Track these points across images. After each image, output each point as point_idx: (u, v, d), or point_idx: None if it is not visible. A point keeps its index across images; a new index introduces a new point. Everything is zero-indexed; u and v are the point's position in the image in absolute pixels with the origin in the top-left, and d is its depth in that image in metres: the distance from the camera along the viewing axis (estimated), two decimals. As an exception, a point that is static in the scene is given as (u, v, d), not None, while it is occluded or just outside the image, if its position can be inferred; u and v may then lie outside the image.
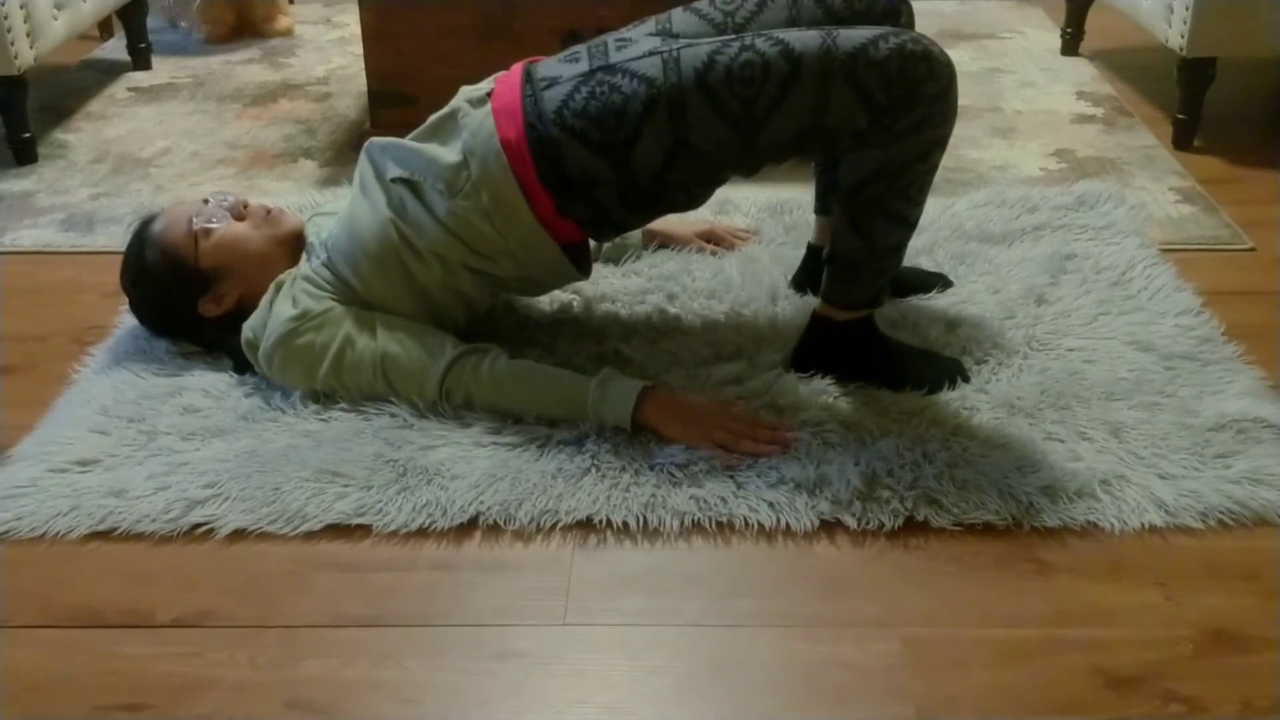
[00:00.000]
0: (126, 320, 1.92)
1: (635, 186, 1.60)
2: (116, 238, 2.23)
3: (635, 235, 2.10)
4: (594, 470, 1.56)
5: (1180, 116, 2.55)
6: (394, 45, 2.46)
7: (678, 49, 1.56)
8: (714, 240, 2.14)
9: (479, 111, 1.65)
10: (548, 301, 1.95)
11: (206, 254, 1.78)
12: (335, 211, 1.84)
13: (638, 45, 1.61)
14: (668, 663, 1.31)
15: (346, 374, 1.68)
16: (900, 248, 1.64)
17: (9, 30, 2.45)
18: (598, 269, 2.04)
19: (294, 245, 1.83)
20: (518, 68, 1.69)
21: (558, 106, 1.59)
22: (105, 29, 3.48)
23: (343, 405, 1.69)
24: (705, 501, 1.51)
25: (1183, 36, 2.44)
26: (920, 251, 2.08)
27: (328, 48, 3.39)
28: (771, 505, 1.50)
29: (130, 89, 3.08)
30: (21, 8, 2.48)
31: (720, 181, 1.64)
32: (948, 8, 3.61)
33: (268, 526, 1.50)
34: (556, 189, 1.61)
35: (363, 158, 1.75)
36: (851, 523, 1.48)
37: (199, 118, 2.88)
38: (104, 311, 2.01)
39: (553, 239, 1.65)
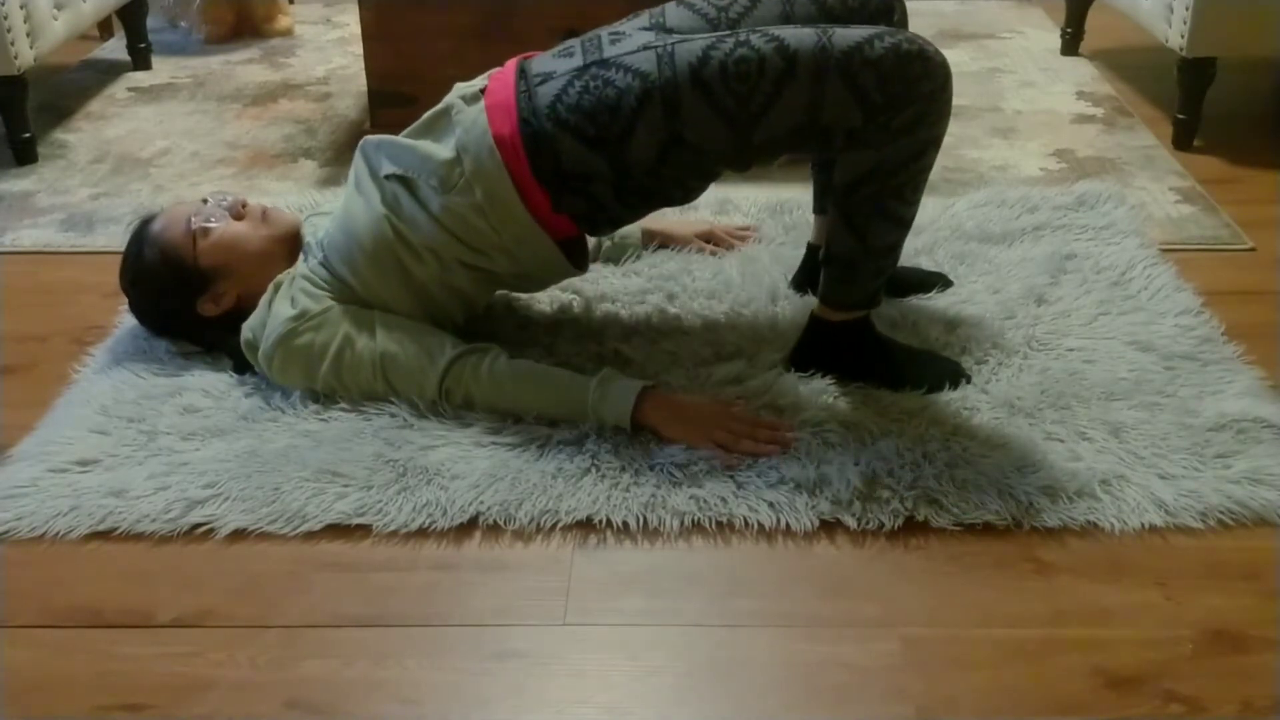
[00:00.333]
0: (126, 320, 1.93)
1: (630, 181, 1.59)
2: (116, 238, 2.23)
3: (635, 235, 2.10)
4: (594, 470, 1.56)
5: (1180, 116, 2.55)
6: (394, 45, 2.46)
7: (672, 44, 1.56)
8: (714, 240, 2.14)
9: (472, 108, 1.65)
10: (548, 302, 1.95)
11: (205, 253, 1.78)
12: (331, 211, 1.84)
13: (631, 39, 1.61)
14: (668, 663, 1.31)
15: (346, 374, 1.68)
16: (896, 247, 1.64)
17: (9, 30, 2.45)
18: (597, 269, 2.04)
19: (292, 245, 1.83)
20: (512, 64, 1.69)
21: (551, 101, 1.58)
22: (105, 29, 3.48)
23: (343, 405, 1.69)
24: (705, 501, 1.51)
25: (1183, 36, 2.44)
26: (920, 251, 2.08)
27: (328, 48, 3.39)
28: (771, 505, 1.50)
29: (130, 89, 3.08)
30: (21, 8, 2.48)
31: (715, 176, 1.64)
32: (948, 8, 3.61)
33: (268, 526, 1.50)
34: (551, 184, 1.61)
35: (357, 156, 1.75)
36: (851, 523, 1.48)
37: (199, 118, 2.88)
38: (104, 311, 2.01)
39: (548, 235, 1.65)
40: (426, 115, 1.71)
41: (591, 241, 2.05)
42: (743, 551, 1.46)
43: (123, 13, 3.13)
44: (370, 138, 1.74)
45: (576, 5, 2.41)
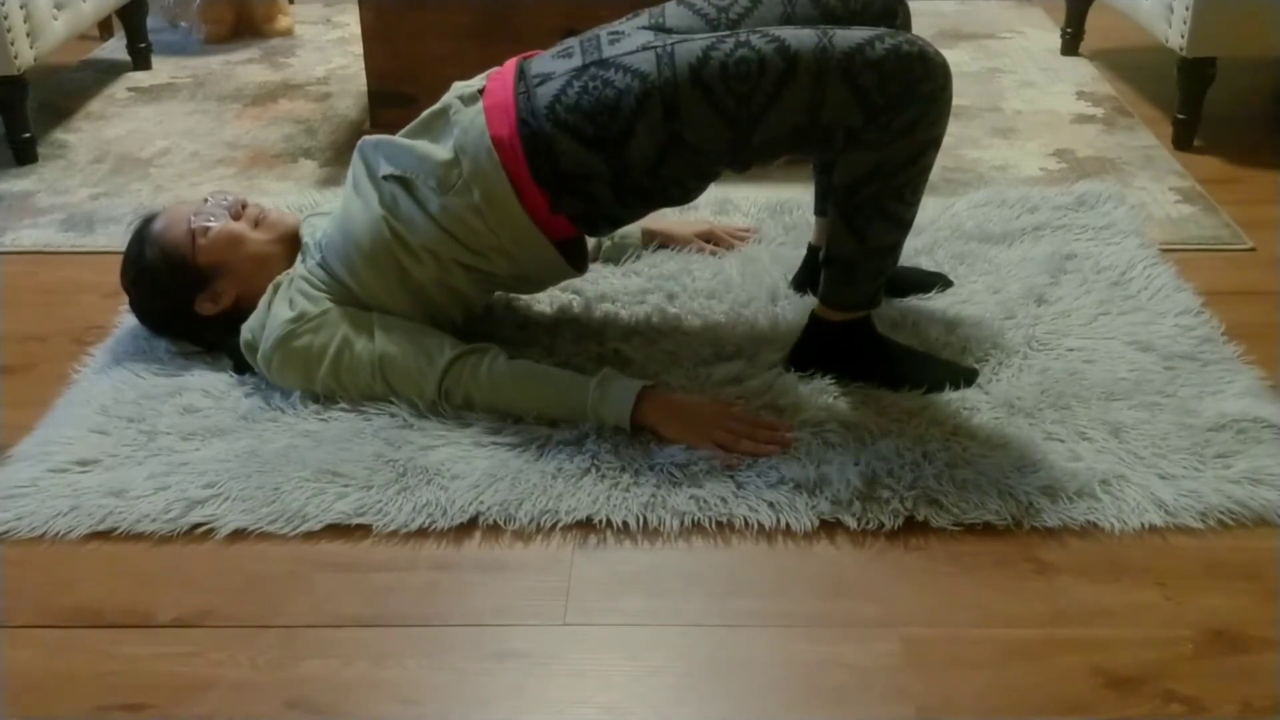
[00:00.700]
0: (126, 320, 1.93)
1: (629, 181, 1.59)
2: (116, 238, 2.23)
3: (635, 235, 2.10)
4: (594, 470, 1.56)
5: (1180, 116, 2.55)
6: (394, 45, 2.46)
7: (671, 44, 1.56)
8: (714, 240, 2.14)
9: (471, 109, 1.64)
10: (548, 302, 1.95)
11: (204, 252, 1.78)
12: (330, 212, 1.84)
13: (631, 39, 1.60)
14: (668, 663, 1.31)
15: (345, 375, 1.68)
16: (896, 248, 1.64)
17: (9, 30, 2.45)
18: (597, 269, 2.04)
19: (292, 246, 1.83)
20: (511, 64, 1.69)
21: (550, 102, 1.58)
22: (105, 29, 3.48)
23: (343, 405, 1.69)
24: (705, 501, 1.51)
25: (1183, 36, 2.44)
26: (920, 251, 2.08)
27: (328, 48, 3.39)
28: (771, 505, 1.50)
29: (130, 89, 3.08)
30: (21, 8, 2.48)
31: (714, 176, 1.64)
32: (948, 8, 3.61)
33: (268, 526, 1.50)
34: (550, 185, 1.60)
35: (355, 156, 1.75)
36: (851, 523, 1.48)
37: (199, 118, 2.88)
38: (104, 311, 2.01)
39: (545, 236, 1.65)
40: (424, 115, 1.71)
41: (591, 242, 2.04)
42: (743, 551, 1.46)
43: (123, 13, 3.13)
44: (368, 138, 1.74)
45: (576, 5, 2.41)
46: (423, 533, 1.50)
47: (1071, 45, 3.16)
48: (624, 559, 1.46)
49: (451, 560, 1.46)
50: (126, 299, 1.87)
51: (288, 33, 3.49)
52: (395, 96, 2.50)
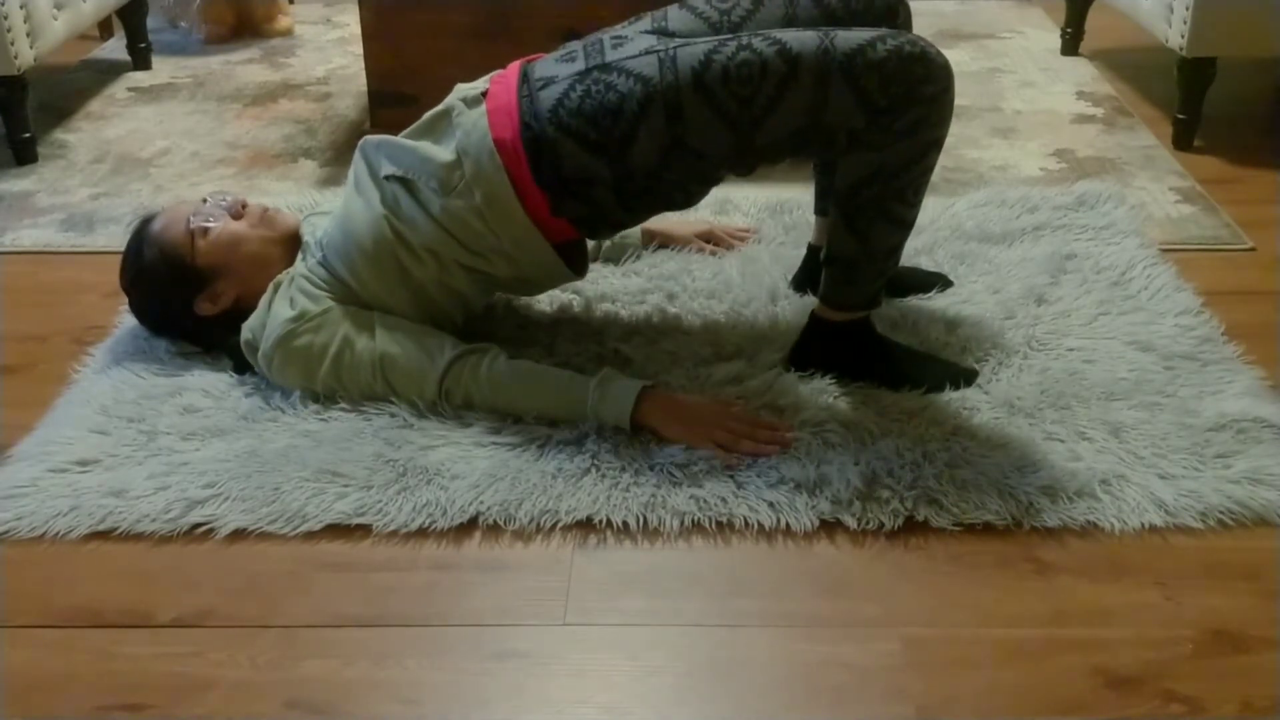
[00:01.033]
0: (126, 320, 1.93)
1: (631, 185, 1.59)
2: (116, 238, 2.23)
3: (635, 235, 2.11)
4: (594, 470, 1.56)
5: (1180, 116, 2.55)
6: (394, 45, 2.46)
7: (674, 48, 1.56)
8: (714, 240, 2.14)
9: (474, 111, 1.65)
10: (548, 302, 1.95)
11: (203, 252, 1.78)
12: (330, 211, 1.84)
13: (633, 44, 1.61)
14: (668, 663, 1.31)
15: (346, 375, 1.68)
16: (897, 249, 1.64)
17: (9, 30, 2.45)
18: (597, 269, 2.04)
19: (291, 245, 1.83)
20: (514, 67, 1.69)
21: (553, 105, 1.59)
22: (105, 29, 3.48)
23: (343, 405, 1.69)
24: (705, 501, 1.51)
25: (1183, 36, 2.44)
26: (920, 251, 2.08)
27: (328, 48, 3.39)
28: (771, 505, 1.50)
29: (130, 89, 3.08)
30: (21, 8, 2.48)
31: (717, 180, 1.64)
32: (948, 8, 3.61)
33: (268, 526, 1.50)
34: (551, 188, 1.61)
35: (357, 155, 1.75)
36: (851, 523, 1.48)
37: (199, 118, 2.88)
38: (104, 311, 2.01)
39: (546, 239, 1.65)
40: (427, 116, 1.71)
41: (591, 243, 2.04)
42: (743, 551, 1.46)
43: (123, 13, 3.13)
44: (370, 138, 1.74)
45: (576, 5, 2.41)
46: (423, 533, 1.50)
47: (1071, 45, 3.16)
48: (624, 559, 1.46)
49: (451, 560, 1.46)
50: (126, 299, 1.87)
51: (288, 33, 3.49)
52: (395, 96, 2.50)
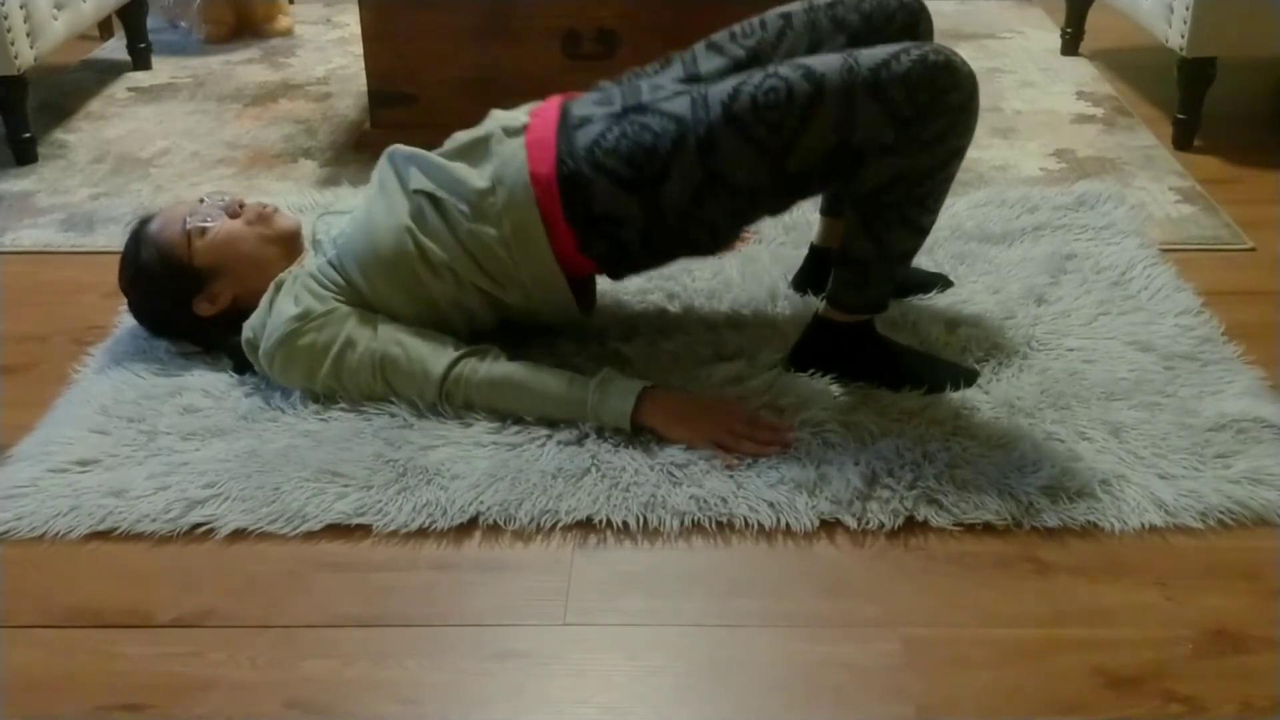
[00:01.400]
0: (126, 320, 1.93)
1: (661, 225, 1.61)
2: (116, 238, 2.23)
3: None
4: (594, 470, 1.56)
5: (1180, 116, 2.55)
6: (394, 45, 2.46)
7: (706, 89, 1.59)
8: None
9: (513, 141, 1.66)
10: (548, 301, 1.95)
11: (200, 253, 1.78)
12: (346, 211, 1.84)
13: (668, 87, 1.65)
14: (668, 663, 1.31)
15: (347, 375, 1.68)
16: (911, 254, 1.65)
17: (9, 30, 2.45)
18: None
19: (289, 246, 1.82)
20: (554, 102, 1.71)
21: (590, 144, 1.61)
22: (105, 29, 3.48)
23: (343, 405, 1.69)
24: (705, 501, 1.51)
25: (1183, 36, 2.44)
26: (920, 251, 2.07)
27: (328, 48, 3.39)
28: (771, 505, 1.50)
29: (130, 89, 3.08)
30: (21, 8, 2.48)
31: (747, 218, 1.64)
32: (948, 8, 3.61)
33: (268, 526, 1.50)
34: (580, 226, 1.63)
35: (384, 163, 1.76)
36: (851, 523, 1.48)
37: (199, 118, 2.88)
38: (104, 311, 2.01)
39: (564, 277, 1.67)
40: (464, 138, 1.72)
41: None
42: (743, 551, 1.46)
43: (123, 13, 3.13)
44: (400, 148, 1.75)
45: (576, 5, 2.41)
46: (423, 533, 1.50)
47: (1071, 45, 3.16)
48: (624, 559, 1.46)
49: (451, 560, 1.46)
50: (126, 299, 1.87)
51: (288, 33, 3.49)
52: (395, 96, 2.51)
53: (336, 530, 1.50)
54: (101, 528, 1.51)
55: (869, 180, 1.56)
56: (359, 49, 3.29)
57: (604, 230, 1.63)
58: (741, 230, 1.68)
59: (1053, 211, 2.22)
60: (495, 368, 1.65)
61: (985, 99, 2.86)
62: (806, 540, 1.47)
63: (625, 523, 1.50)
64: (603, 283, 1.99)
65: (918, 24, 1.70)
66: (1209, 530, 1.47)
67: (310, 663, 1.32)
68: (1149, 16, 2.58)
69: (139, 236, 1.82)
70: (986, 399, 1.69)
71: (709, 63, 1.70)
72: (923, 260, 2.06)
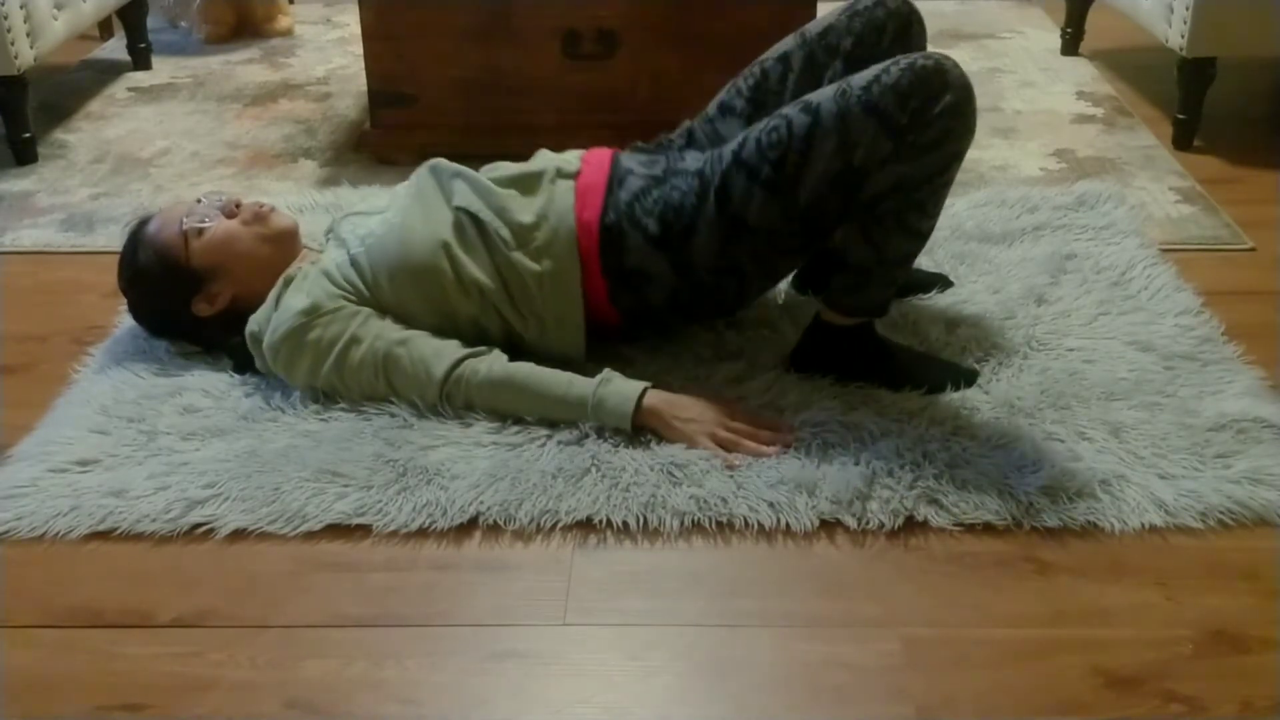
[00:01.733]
0: (126, 320, 1.92)
1: (690, 281, 1.67)
2: (116, 238, 2.22)
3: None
4: (594, 470, 1.56)
5: (1180, 116, 2.55)
6: (394, 45, 2.46)
7: (723, 146, 1.65)
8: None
9: (564, 184, 1.70)
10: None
11: (197, 253, 1.77)
12: (373, 212, 1.82)
13: (695, 152, 1.72)
14: (668, 663, 1.31)
15: (349, 373, 1.68)
16: (911, 258, 1.65)
17: (9, 30, 2.45)
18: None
19: (285, 244, 1.82)
20: (607, 153, 1.76)
21: (630, 200, 1.67)
22: (105, 29, 3.48)
23: (343, 405, 1.69)
24: (705, 501, 1.51)
25: (1183, 36, 2.44)
26: (920, 251, 2.07)
27: (328, 48, 3.39)
28: (771, 505, 1.50)
29: (130, 89, 3.08)
30: (21, 8, 2.48)
31: (773, 264, 1.68)
32: (948, 8, 3.61)
33: (268, 526, 1.50)
34: (613, 277, 1.68)
35: (425, 173, 1.78)
36: (851, 523, 1.48)
37: (199, 118, 2.88)
38: (104, 311, 2.01)
39: (584, 324, 1.70)
40: (515, 169, 1.75)
41: None
42: (743, 551, 1.46)
43: (123, 13, 3.13)
44: (445, 162, 1.78)
45: (576, 5, 2.41)
46: (423, 533, 1.50)
47: (1071, 45, 3.16)
48: (624, 559, 1.46)
49: (451, 560, 1.46)
50: (125, 299, 1.87)
51: (288, 33, 3.49)
52: (395, 96, 2.50)
53: (336, 530, 1.50)
54: (101, 528, 1.51)
55: (870, 190, 1.56)
56: (359, 49, 3.29)
57: (634, 285, 1.68)
58: (769, 281, 1.72)
59: (1053, 211, 2.22)
60: (495, 370, 1.65)
61: (985, 99, 2.86)
62: (806, 540, 1.47)
63: (625, 523, 1.50)
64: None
65: (909, 32, 1.72)
66: (1209, 530, 1.47)
67: (310, 663, 1.32)
68: (1149, 16, 2.58)
69: (137, 237, 1.82)
70: (986, 399, 1.68)
71: (728, 127, 1.77)
72: (923, 260, 2.05)
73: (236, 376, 1.78)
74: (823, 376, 1.72)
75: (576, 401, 1.62)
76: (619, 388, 1.62)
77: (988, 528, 1.48)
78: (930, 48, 1.71)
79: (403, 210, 1.74)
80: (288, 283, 1.74)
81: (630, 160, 1.74)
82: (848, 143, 1.53)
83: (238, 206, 1.82)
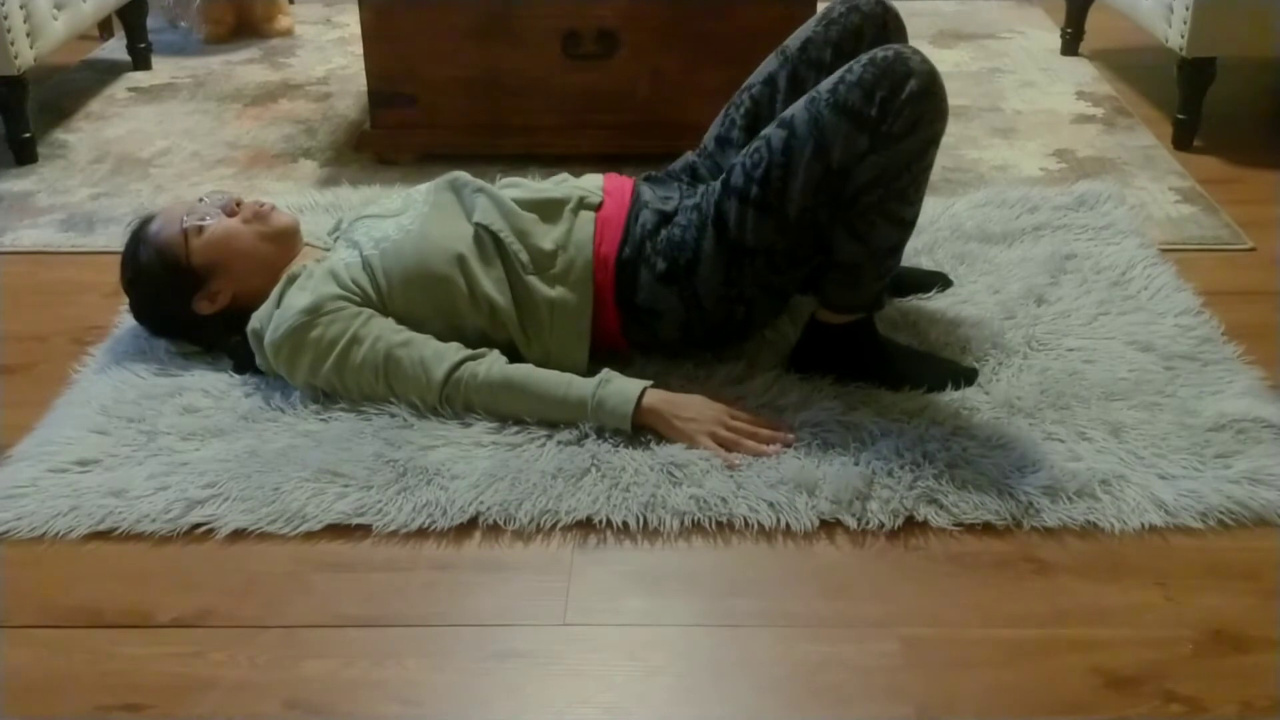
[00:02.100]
0: (126, 320, 1.92)
1: (700, 313, 1.68)
2: (116, 238, 2.22)
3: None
4: (594, 470, 1.56)
5: (1180, 116, 2.55)
6: (394, 45, 2.46)
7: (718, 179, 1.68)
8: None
9: (586, 214, 1.72)
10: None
11: (198, 252, 1.77)
12: (386, 215, 1.82)
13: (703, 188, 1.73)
14: (668, 663, 1.31)
15: (349, 373, 1.68)
16: (899, 248, 1.65)
17: (9, 30, 2.45)
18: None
19: (285, 242, 1.82)
20: (629, 183, 1.78)
21: (643, 236, 1.69)
22: (105, 29, 3.48)
23: (343, 405, 1.69)
24: (705, 501, 1.51)
25: (1183, 36, 2.44)
26: (920, 251, 2.08)
27: (328, 48, 3.39)
28: (771, 505, 1.50)
29: (130, 89, 3.08)
30: (21, 8, 2.48)
31: (778, 286, 1.69)
32: (948, 8, 3.61)
33: (268, 526, 1.50)
34: (625, 311, 1.70)
35: (444, 185, 1.79)
36: (851, 523, 1.48)
37: (199, 118, 2.88)
38: (104, 311, 2.01)
39: (587, 353, 1.70)
40: (537, 192, 1.76)
41: None
42: (743, 551, 1.46)
43: (123, 13, 3.13)
44: (466, 176, 1.80)
45: (576, 5, 2.41)
46: (423, 533, 1.50)
47: (1071, 45, 3.16)
48: (624, 559, 1.46)
49: (451, 560, 1.46)
50: (126, 299, 1.87)
51: (288, 33, 3.49)
52: (395, 96, 2.50)
53: (336, 530, 1.50)
54: (101, 528, 1.51)
55: (852, 187, 1.56)
56: (359, 49, 3.27)
57: (643, 321, 1.70)
58: (778, 302, 1.73)
59: (1053, 211, 2.22)
60: (495, 372, 1.65)
61: (985, 99, 2.87)
62: (806, 540, 1.47)
63: (625, 523, 1.50)
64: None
65: (886, 31, 1.73)
66: (1209, 530, 1.47)
67: (310, 663, 1.32)
68: (1149, 16, 2.58)
69: (138, 237, 1.82)
70: (986, 399, 1.69)
71: (728, 160, 1.78)
72: (923, 260, 2.06)
73: (236, 376, 1.78)
74: (822, 376, 1.72)
75: (576, 402, 1.62)
76: (619, 387, 1.62)
77: (987, 528, 1.48)
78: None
79: (421, 219, 1.74)
80: (291, 280, 1.74)
81: (648, 193, 1.76)
82: (823, 146, 1.54)
83: (238, 205, 1.82)
